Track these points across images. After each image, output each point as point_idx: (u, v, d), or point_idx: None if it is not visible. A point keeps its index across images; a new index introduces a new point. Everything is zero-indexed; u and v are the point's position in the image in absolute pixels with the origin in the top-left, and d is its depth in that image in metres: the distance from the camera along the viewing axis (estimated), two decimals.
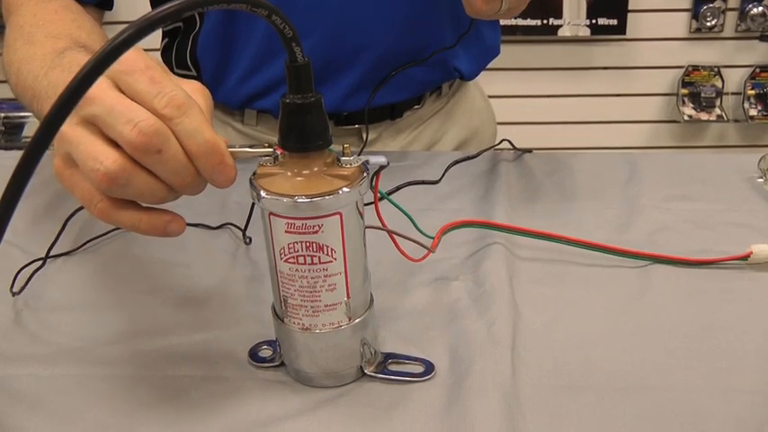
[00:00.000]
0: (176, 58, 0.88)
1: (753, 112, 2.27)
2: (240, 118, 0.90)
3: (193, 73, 0.86)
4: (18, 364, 0.54)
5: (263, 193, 0.45)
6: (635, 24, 2.19)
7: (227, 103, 0.88)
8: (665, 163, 0.83)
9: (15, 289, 0.62)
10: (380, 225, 0.52)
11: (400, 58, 0.84)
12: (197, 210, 0.75)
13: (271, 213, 0.45)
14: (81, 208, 0.68)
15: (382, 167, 0.48)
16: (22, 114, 2.30)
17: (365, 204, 0.48)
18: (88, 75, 0.33)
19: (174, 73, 0.75)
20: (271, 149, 0.46)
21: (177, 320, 0.59)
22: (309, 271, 0.46)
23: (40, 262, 0.66)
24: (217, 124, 0.88)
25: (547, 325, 0.56)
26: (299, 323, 0.49)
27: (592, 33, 2.18)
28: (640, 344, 0.54)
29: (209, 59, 0.84)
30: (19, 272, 0.64)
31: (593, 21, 2.16)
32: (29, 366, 0.54)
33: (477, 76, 0.96)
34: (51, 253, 0.67)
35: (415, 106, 0.92)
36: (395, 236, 0.55)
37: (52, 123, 0.32)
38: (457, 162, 0.83)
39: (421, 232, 0.58)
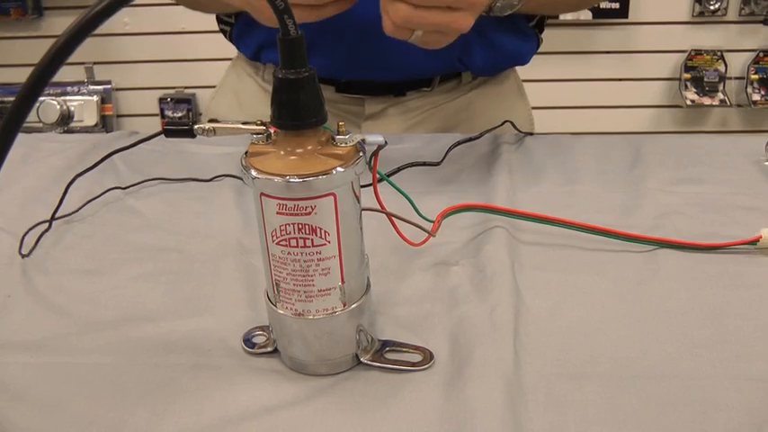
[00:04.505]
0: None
1: (756, 97, 2.25)
2: (261, 73, 0.94)
3: (232, 21, 0.93)
4: (3, 352, 0.53)
5: (254, 173, 0.43)
6: (637, 8, 2.17)
7: (251, 57, 0.93)
8: (670, 145, 0.82)
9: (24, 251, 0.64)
10: (379, 207, 0.51)
11: None
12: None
13: (262, 194, 0.44)
14: (79, 175, 0.68)
15: (380, 147, 0.46)
16: None
17: (363, 186, 0.46)
18: (61, 49, 0.33)
19: (219, 21, 0.95)
20: (263, 127, 0.44)
21: (168, 306, 0.57)
22: (302, 254, 0.44)
23: (46, 225, 0.67)
24: (243, 76, 0.97)
25: (550, 311, 0.55)
26: (291, 309, 0.47)
27: (594, 17, 2.16)
28: (647, 330, 0.52)
29: (239, 15, 0.92)
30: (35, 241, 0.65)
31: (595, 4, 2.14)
32: (15, 354, 0.52)
33: (489, 74, 0.94)
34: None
35: (424, 89, 0.91)
36: (394, 219, 0.54)
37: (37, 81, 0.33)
38: (458, 144, 0.81)
39: (421, 216, 0.57)
